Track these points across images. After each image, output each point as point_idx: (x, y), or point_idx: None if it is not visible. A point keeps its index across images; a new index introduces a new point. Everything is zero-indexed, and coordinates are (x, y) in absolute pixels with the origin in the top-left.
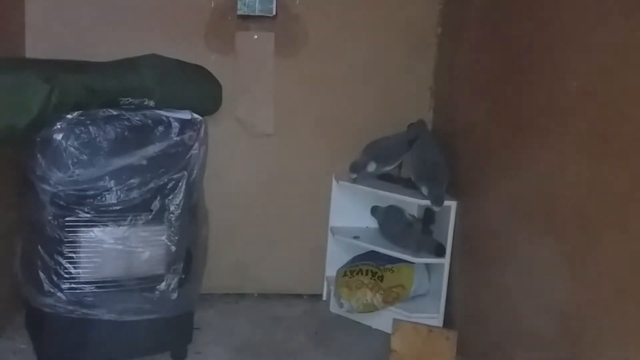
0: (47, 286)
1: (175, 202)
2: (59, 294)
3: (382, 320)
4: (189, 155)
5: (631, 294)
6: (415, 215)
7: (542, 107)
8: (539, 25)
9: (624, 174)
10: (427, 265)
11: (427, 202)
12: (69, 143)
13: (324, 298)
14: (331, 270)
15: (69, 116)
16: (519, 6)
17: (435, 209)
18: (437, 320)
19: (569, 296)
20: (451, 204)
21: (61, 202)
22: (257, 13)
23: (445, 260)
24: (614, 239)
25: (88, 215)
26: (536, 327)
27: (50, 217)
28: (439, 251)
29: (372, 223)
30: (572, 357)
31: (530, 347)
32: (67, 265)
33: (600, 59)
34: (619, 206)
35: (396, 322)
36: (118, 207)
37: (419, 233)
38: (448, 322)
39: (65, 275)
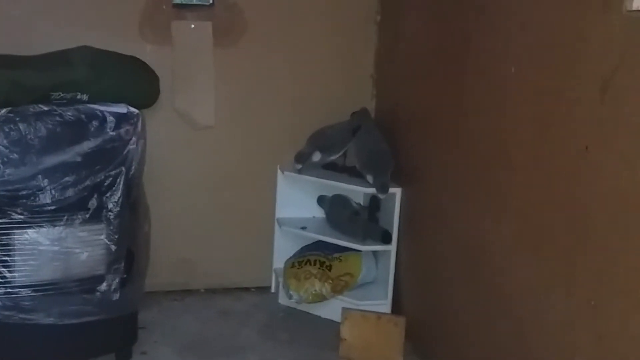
0: None
1: (114, 200)
2: None
3: (331, 310)
4: (126, 150)
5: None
6: (362, 203)
7: (482, 93)
8: (476, 10)
9: (562, 156)
10: (375, 253)
11: (372, 190)
12: None
13: (273, 290)
14: (279, 262)
15: None
16: None
17: (381, 196)
18: (385, 306)
19: (514, 279)
20: (396, 191)
21: None
22: (193, 2)
23: (392, 247)
24: (560, 217)
25: (21, 217)
26: (482, 312)
27: None
28: (386, 238)
29: (319, 213)
30: (518, 339)
31: (478, 331)
32: (1, 269)
33: (536, 42)
34: (559, 185)
35: (345, 310)
36: (53, 207)
37: (365, 221)
38: (396, 308)
39: (0, 280)
